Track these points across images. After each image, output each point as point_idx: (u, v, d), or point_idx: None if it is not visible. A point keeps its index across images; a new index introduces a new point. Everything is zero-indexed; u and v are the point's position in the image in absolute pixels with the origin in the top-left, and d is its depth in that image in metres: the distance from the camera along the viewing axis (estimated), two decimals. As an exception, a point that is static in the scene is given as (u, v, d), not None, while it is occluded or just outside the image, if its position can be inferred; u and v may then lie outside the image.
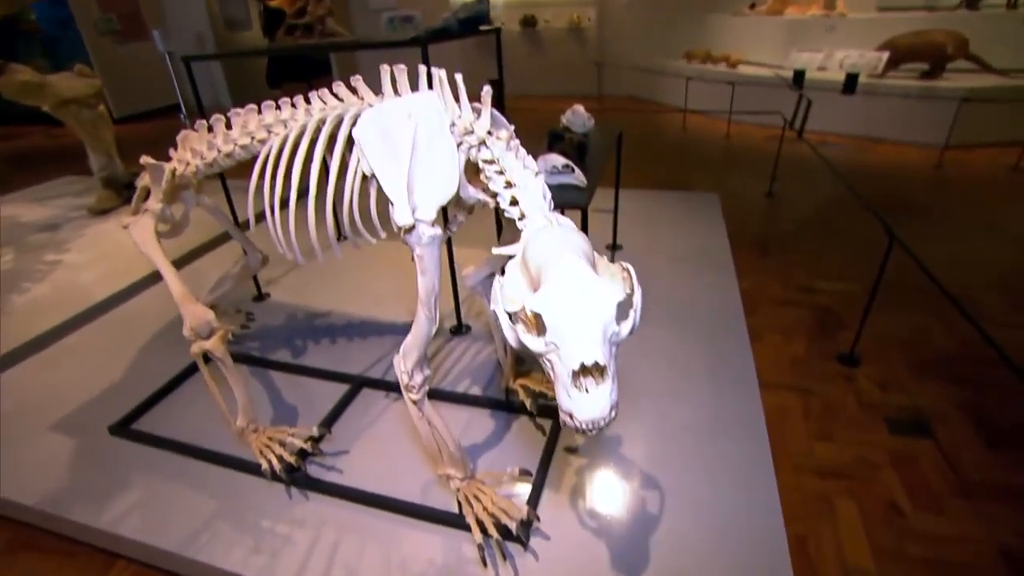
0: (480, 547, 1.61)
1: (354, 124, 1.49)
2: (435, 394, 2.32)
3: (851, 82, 5.93)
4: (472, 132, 1.37)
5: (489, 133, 1.38)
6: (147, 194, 2.06)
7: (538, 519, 1.64)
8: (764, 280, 3.43)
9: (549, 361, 1.01)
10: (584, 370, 0.94)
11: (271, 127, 1.73)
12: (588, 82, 9.45)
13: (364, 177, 1.47)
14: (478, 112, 1.41)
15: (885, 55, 6.13)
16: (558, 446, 2.05)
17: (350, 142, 1.51)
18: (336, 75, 9.02)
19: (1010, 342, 2.04)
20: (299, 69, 6.66)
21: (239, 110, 1.82)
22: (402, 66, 1.48)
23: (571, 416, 0.96)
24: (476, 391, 2.36)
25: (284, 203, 1.68)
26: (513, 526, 1.62)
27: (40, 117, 4.56)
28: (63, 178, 5.97)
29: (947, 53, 5.89)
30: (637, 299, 1.04)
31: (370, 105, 1.54)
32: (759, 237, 4.05)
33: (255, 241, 2.55)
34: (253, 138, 1.77)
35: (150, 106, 9.81)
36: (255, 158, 1.76)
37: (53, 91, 4.32)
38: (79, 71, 4.62)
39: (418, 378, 1.47)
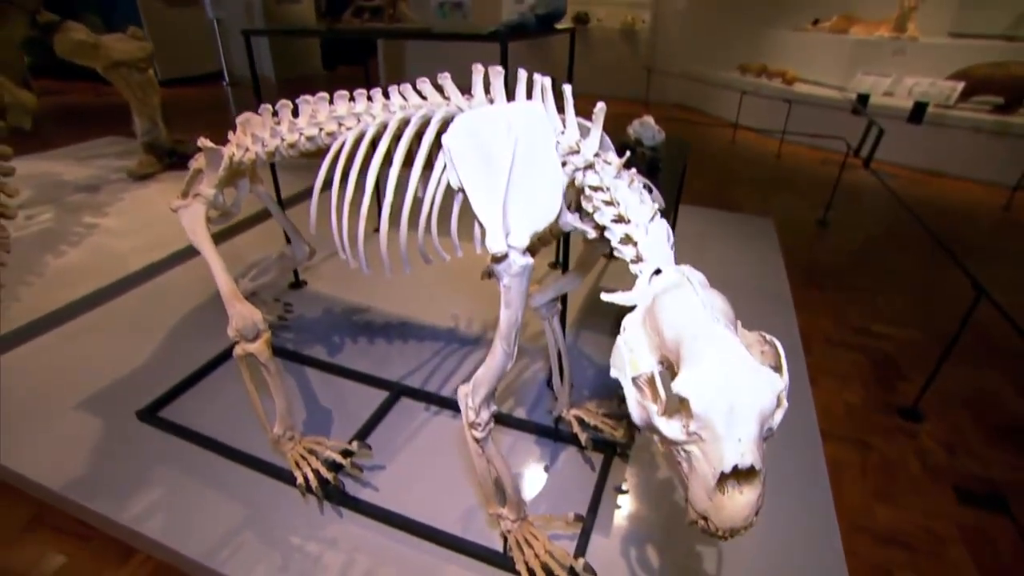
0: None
1: (443, 128, 1.35)
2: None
3: (919, 111, 5.65)
4: (578, 152, 1.22)
5: (596, 155, 1.22)
6: (199, 176, 1.94)
7: (594, 574, 1.50)
8: (816, 317, 3.23)
9: (685, 451, 0.86)
10: (735, 473, 0.80)
11: (343, 120, 1.59)
12: (635, 86, 9.21)
13: (448, 189, 1.33)
14: (585, 130, 1.25)
15: (960, 85, 5.82)
16: (607, 485, 1.92)
17: (433, 147, 1.37)
18: (381, 60, 8.91)
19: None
20: (357, 52, 6.50)
21: (308, 97, 1.69)
22: (499, 68, 1.33)
23: (706, 519, 0.82)
24: (521, 413, 2.23)
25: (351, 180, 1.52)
26: (564, 577, 1.48)
27: (92, 74, 4.52)
28: (106, 138, 5.94)
29: (1027, 89, 5.58)
30: (785, 381, 0.88)
31: (459, 108, 1.39)
32: (810, 268, 3.84)
33: (294, 219, 2.41)
34: (321, 130, 1.63)
35: (195, 71, 9.80)
36: (324, 152, 1.63)
37: (106, 52, 4.26)
38: (132, 33, 4.56)
39: (484, 415, 1.33)
